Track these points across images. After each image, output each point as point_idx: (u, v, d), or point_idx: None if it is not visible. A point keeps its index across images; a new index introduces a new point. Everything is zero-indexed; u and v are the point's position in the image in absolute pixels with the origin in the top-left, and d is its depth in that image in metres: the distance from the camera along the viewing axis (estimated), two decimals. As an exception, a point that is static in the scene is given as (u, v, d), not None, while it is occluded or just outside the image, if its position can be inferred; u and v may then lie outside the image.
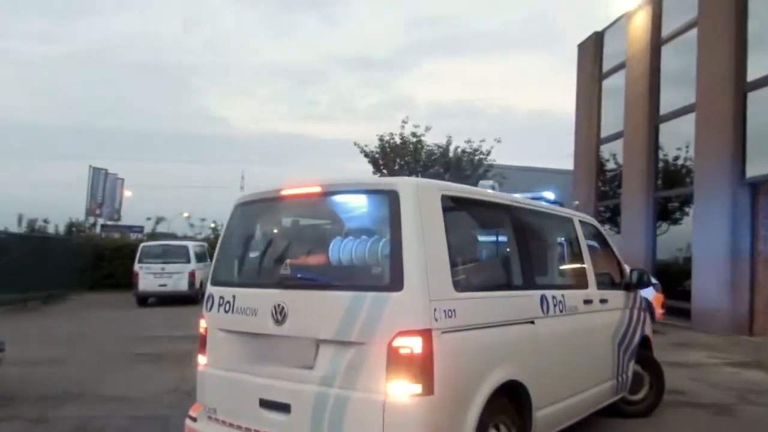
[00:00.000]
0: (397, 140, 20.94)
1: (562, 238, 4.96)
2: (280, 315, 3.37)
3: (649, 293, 11.97)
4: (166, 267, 17.43)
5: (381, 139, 21.10)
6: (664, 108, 15.17)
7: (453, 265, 3.22)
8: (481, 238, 4.20)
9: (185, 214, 37.40)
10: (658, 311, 12.05)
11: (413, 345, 2.93)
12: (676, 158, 15.08)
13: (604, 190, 18.68)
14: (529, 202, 4.52)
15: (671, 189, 15.28)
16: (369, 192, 3.54)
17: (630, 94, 16.33)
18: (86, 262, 21.50)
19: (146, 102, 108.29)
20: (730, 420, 5.87)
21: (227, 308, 3.71)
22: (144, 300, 17.70)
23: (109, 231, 30.90)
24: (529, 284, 3.96)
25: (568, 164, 21.30)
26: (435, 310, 3.01)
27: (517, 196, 4.46)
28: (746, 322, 11.87)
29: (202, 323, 3.89)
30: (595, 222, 5.50)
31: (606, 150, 18.40)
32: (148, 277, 17.42)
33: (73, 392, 6.43)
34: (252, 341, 3.54)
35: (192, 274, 17.46)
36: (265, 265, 3.95)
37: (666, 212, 15.65)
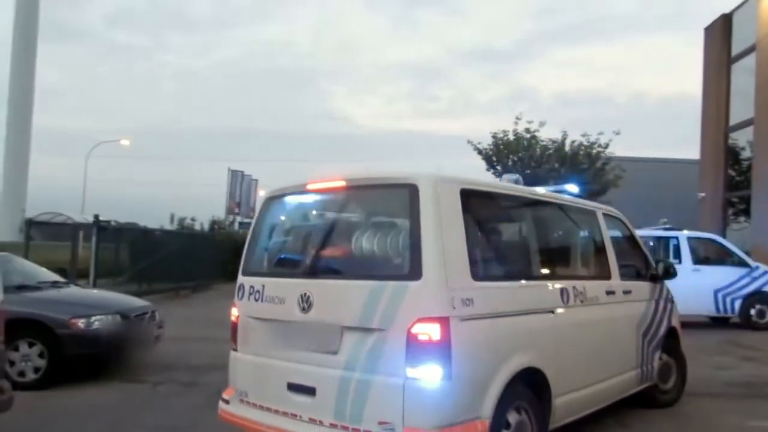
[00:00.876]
0: (510, 137, 21.05)
1: (585, 231, 5.06)
2: (306, 303, 3.54)
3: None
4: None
5: (494, 137, 21.33)
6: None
7: (471, 255, 3.35)
8: (500, 230, 4.33)
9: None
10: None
11: (431, 332, 3.07)
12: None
13: (734, 180, 17.55)
14: (551, 195, 4.71)
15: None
16: (390, 186, 3.65)
17: (761, 77, 15.26)
18: (227, 255, 23.89)
19: (281, 105, 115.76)
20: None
21: (257, 297, 3.90)
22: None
23: (246, 227, 33.89)
24: (548, 275, 4.19)
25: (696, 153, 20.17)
26: (453, 298, 3.15)
27: (539, 189, 4.78)
28: None
29: (234, 311, 4.09)
30: (620, 214, 5.59)
31: (735, 138, 17.28)
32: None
33: (218, 363, 7.66)
34: (280, 328, 3.74)
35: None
36: (292, 255, 4.18)
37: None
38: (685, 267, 11.68)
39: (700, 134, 18.92)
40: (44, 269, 7.90)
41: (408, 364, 3.10)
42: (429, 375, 3.07)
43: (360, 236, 3.65)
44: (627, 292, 4.99)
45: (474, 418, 3.18)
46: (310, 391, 3.46)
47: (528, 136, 20.89)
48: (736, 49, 17.30)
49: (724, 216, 17.53)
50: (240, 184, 38.26)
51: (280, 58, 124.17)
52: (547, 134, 21.25)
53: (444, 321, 3.10)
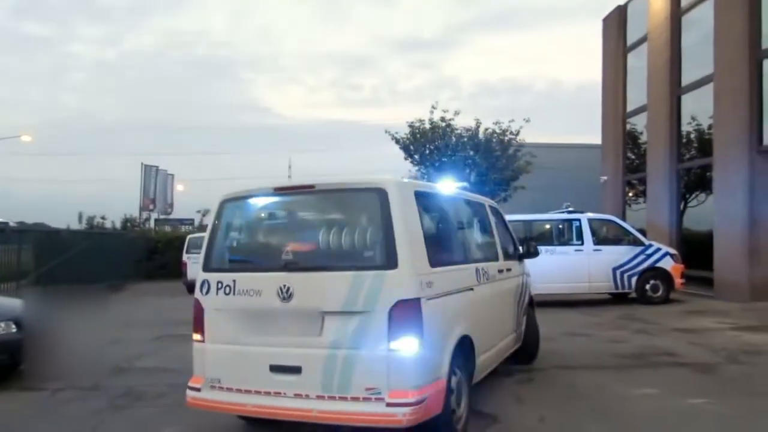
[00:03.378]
0: (427, 126, 21.45)
1: (482, 220, 5.95)
2: (286, 293, 4.02)
3: (668, 263, 12.34)
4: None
5: (411, 126, 21.66)
6: (686, 79, 15.17)
7: (426, 246, 4.08)
8: (441, 224, 4.97)
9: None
10: (678, 281, 12.39)
11: (409, 311, 3.77)
12: (699, 129, 15.10)
13: (633, 162, 18.74)
14: (466, 193, 5.74)
15: (693, 160, 15.31)
16: (360, 190, 4.28)
17: (652, 66, 16.34)
18: (141, 254, 23.07)
19: (198, 97, 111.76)
20: (707, 377, 6.33)
21: (227, 291, 4.25)
22: (193, 288, 18.85)
23: (162, 225, 32.70)
24: (469, 259, 5.10)
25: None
26: (421, 283, 3.88)
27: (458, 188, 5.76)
28: (765, 289, 11.99)
29: (197, 305, 4.40)
30: (496, 204, 6.71)
31: (633, 123, 18.44)
32: (195, 267, 18.51)
33: (123, 366, 7.45)
34: (257, 317, 4.16)
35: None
36: (266, 252, 4.56)
37: (692, 183, 15.71)
38: (587, 247, 12.43)
39: (601, 122, 20.03)
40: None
41: (390, 338, 3.77)
42: (407, 346, 3.76)
43: (335, 233, 4.16)
44: (508, 270, 6.12)
45: (437, 378, 3.97)
46: (295, 370, 3.94)
47: (443, 125, 21.38)
48: (631, 39, 18.39)
49: (623, 197, 18.70)
50: (155, 179, 36.78)
51: (197, 47, 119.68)
52: (463, 122, 21.86)
53: (417, 302, 3.82)
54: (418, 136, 21.36)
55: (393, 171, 22.78)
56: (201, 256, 4.59)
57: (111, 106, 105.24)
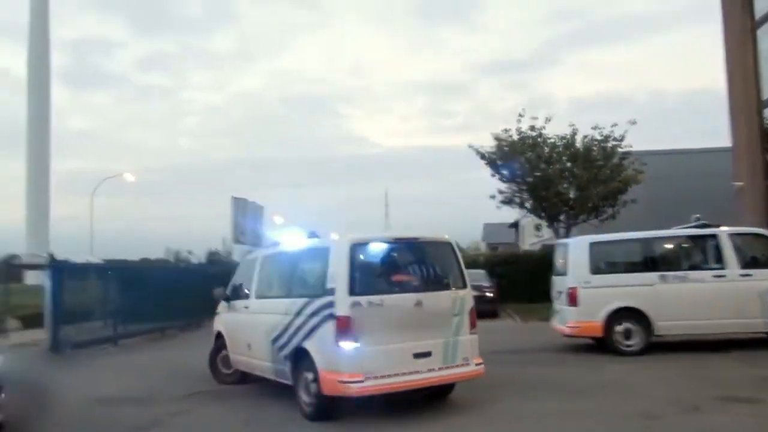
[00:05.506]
0: (514, 137, 19.12)
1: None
2: (419, 305, 6.50)
3: None
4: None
5: (497, 138, 19.42)
6: None
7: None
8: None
9: (334, 235, 37.38)
10: None
11: (474, 313, 6.96)
12: None
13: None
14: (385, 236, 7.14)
15: None
16: (440, 242, 7.18)
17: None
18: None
19: (298, 133, 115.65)
20: None
21: (377, 309, 6.31)
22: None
23: (252, 257, 32.29)
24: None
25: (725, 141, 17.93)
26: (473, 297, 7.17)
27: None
28: None
29: (345, 320, 6.14)
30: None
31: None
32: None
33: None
34: (403, 324, 6.39)
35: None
36: (398, 279, 6.73)
37: None
38: (732, 272, 9.47)
39: (729, 117, 16.73)
40: None
41: (471, 328, 6.87)
42: (476, 332, 6.98)
43: (432, 267, 6.93)
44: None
45: None
46: (427, 354, 6.45)
47: (534, 134, 18.94)
48: (759, 11, 15.17)
49: (767, 205, 15.24)
50: (245, 211, 36.80)
51: (296, 85, 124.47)
52: (556, 130, 19.30)
53: (473, 308, 7.10)
54: (506, 148, 19.05)
55: (487, 193, 20.48)
56: (344, 283, 6.27)
57: (219, 146, 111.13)
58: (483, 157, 19.69)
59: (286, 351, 6.94)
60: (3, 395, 5.28)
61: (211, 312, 16.63)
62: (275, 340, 7.18)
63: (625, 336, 9.70)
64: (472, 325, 6.79)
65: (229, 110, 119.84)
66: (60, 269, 12.94)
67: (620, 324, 9.70)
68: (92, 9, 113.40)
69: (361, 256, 6.53)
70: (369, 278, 6.50)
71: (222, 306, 9.10)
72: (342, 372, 6.07)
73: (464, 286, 6.91)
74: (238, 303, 8.45)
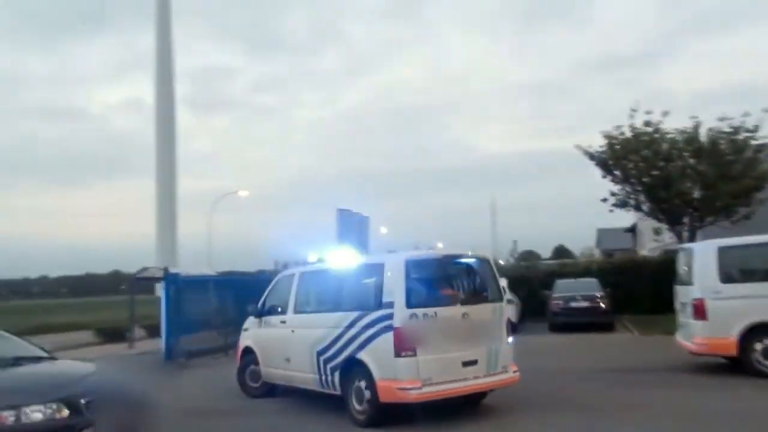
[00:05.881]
0: (627, 133, 17.69)
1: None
2: (466, 316, 7.03)
3: None
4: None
5: (607, 137, 18.06)
6: None
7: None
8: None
9: (440, 245, 37.07)
10: None
11: (510, 323, 8.04)
12: None
13: None
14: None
15: None
16: (481, 259, 7.78)
17: None
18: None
19: (403, 144, 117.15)
20: None
21: (432, 320, 6.78)
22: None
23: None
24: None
25: None
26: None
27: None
28: None
29: (403, 331, 6.62)
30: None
31: None
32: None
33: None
34: (453, 334, 6.88)
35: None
36: (449, 294, 7.22)
37: None
38: None
39: None
40: (24, 341, 6.67)
41: (507, 337, 7.45)
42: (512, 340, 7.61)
43: (477, 281, 7.62)
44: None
45: None
46: (474, 363, 6.97)
47: (649, 129, 17.41)
48: None
49: None
50: (349, 223, 37.35)
51: (400, 98, 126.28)
52: (675, 125, 17.61)
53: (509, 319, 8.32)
54: (617, 147, 17.66)
55: (599, 196, 19.19)
56: (401, 297, 6.73)
57: (327, 160, 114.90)
58: (592, 157, 18.41)
59: (335, 362, 7.33)
60: (94, 409, 5.32)
61: None
62: (322, 352, 7.52)
63: (765, 356, 8.46)
64: (508, 334, 7.50)
65: (336, 125, 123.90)
66: (173, 281, 13.62)
67: (760, 342, 8.46)
68: (212, 39, 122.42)
69: (415, 272, 7.01)
70: (422, 292, 6.99)
71: (251, 322, 9.32)
72: (401, 380, 6.58)
73: (501, 298, 7.63)
74: (273, 318, 8.71)
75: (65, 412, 5.15)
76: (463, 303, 7.11)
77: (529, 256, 53.65)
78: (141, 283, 19.52)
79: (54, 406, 5.12)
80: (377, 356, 6.76)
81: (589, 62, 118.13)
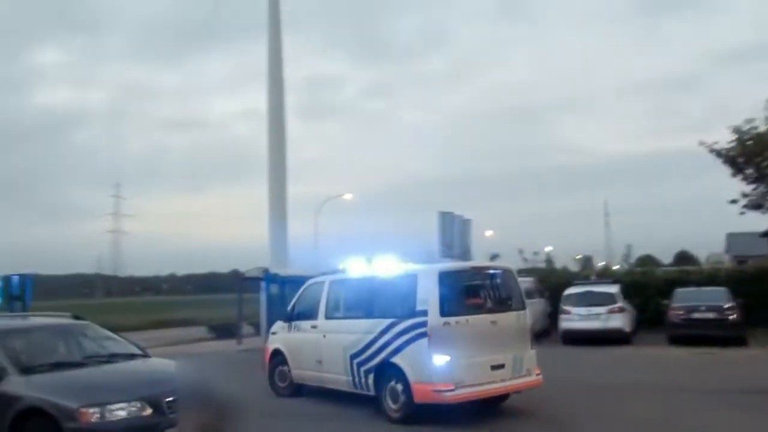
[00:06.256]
0: (761, 128, 15.78)
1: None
2: (494, 324, 7.64)
3: None
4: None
5: (737, 132, 16.23)
6: None
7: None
8: None
9: (548, 248, 35.81)
10: None
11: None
12: None
13: None
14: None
15: None
16: (506, 269, 8.45)
17: None
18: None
19: (510, 145, 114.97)
20: None
21: (463, 327, 7.35)
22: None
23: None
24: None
25: None
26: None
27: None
28: None
29: (437, 337, 7.19)
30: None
31: None
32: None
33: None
34: (482, 339, 7.46)
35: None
36: (478, 303, 7.83)
37: None
38: None
39: None
40: (121, 338, 6.93)
41: (531, 343, 8.15)
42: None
43: (502, 291, 8.11)
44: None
45: None
46: (502, 366, 7.55)
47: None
48: None
49: None
50: (451, 225, 36.79)
51: (507, 98, 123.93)
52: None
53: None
54: (748, 142, 15.78)
55: (727, 197, 17.26)
56: (435, 306, 7.32)
57: (432, 163, 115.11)
58: (719, 155, 16.65)
59: (369, 365, 7.93)
60: (177, 409, 5.34)
61: None
62: (355, 356, 8.11)
63: None
64: (531, 340, 8.19)
65: (442, 128, 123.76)
66: (273, 281, 13.97)
67: None
68: (321, 49, 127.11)
69: (447, 283, 7.53)
70: (454, 301, 7.58)
71: (279, 326, 9.83)
72: (435, 382, 7.14)
73: (524, 307, 8.20)
74: (303, 324, 9.23)
75: (148, 411, 5.22)
76: (491, 311, 7.77)
77: (647, 261, 50.10)
78: (248, 282, 20.35)
79: (138, 404, 5.21)
80: (412, 361, 7.37)
81: (715, 54, 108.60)
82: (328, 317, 8.82)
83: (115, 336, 6.96)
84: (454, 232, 40.04)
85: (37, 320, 7.06)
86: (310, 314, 9.09)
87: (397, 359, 7.49)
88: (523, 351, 7.82)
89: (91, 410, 5.00)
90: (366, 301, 8.31)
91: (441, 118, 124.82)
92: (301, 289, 9.68)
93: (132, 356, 6.45)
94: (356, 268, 8.69)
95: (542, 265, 26.94)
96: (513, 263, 35.08)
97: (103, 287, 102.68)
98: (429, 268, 7.78)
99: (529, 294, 17.54)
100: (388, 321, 7.67)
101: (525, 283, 17.97)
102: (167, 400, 5.33)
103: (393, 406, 7.54)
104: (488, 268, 8.32)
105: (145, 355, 6.67)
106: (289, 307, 9.72)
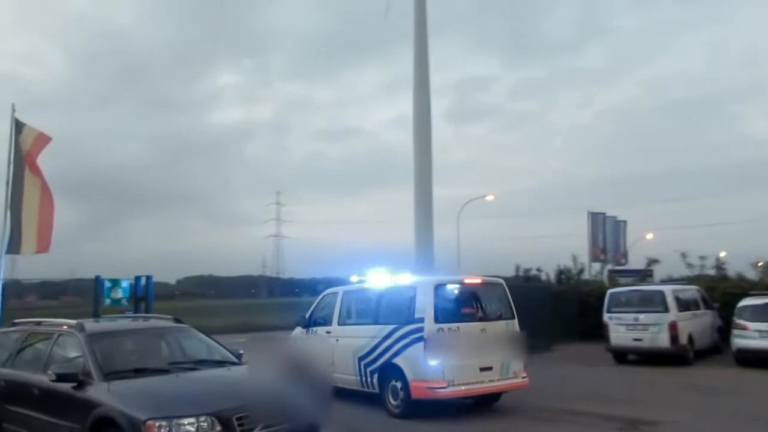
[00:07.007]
0: None
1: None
2: (484, 331, 8.70)
3: None
4: (639, 317, 14.48)
5: None
6: None
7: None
8: None
9: (721, 253, 31.11)
10: None
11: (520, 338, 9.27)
12: None
13: None
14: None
15: None
16: (496, 283, 9.51)
17: None
18: (572, 310, 20.40)
19: (679, 142, 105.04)
20: None
21: (455, 333, 8.37)
22: (622, 356, 15.14)
23: (618, 276, 29.16)
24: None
25: None
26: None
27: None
28: None
29: (432, 341, 8.20)
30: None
31: None
32: (620, 330, 14.85)
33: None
34: (472, 344, 8.46)
35: (673, 326, 13.90)
36: (470, 312, 8.99)
37: None
38: None
39: None
40: (217, 344, 6.67)
41: (522, 349, 9.06)
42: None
43: (493, 302, 9.12)
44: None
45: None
46: (490, 369, 8.51)
47: None
48: None
49: None
50: (603, 227, 33.87)
51: (674, 91, 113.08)
52: None
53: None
54: None
55: None
56: (431, 314, 8.42)
57: (586, 164, 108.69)
58: None
59: (374, 366, 8.93)
60: (251, 427, 4.85)
61: (563, 334, 18.17)
62: (362, 358, 9.14)
63: None
64: (523, 347, 9.04)
65: (597, 127, 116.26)
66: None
67: None
68: (470, 51, 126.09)
69: (442, 294, 8.66)
70: (448, 310, 8.60)
71: (298, 331, 10.83)
72: (429, 381, 8.15)
73: (513, 317, 9.14)
74: (319, 329, 10.27)
75: (218, 429, 4.77)
76: (482, 320, 8.90)
77: None
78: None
79: (208, 420, 4.79)
80: (410, 361, 8.38)
81: None
82: (340, 323, 9.87)
83: (212, 341, 6.71)
84: (606, 233, 36.69)
85: (135, 323, 7.07)
86: (325, 321, 10.17)
87: (397, 360, 8.54)
88: (511, 356, 8.80)
89: (158, 423, 4.69)
90: (373, 309, 9.44)
91: (597, 116, 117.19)
92: (318, 298, 10.74)
93: (220, 363, 6.14)
94: (366, 280, 9.78)
95: (711, 272, 23.41)
96: (675, 269, 31.16)
97: (266, 288, 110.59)
98: (426, 280, 8.91)
99: (693, 304, 15.19)
100: (391, 327, 8.75)
101: (688, 291, 15.68)
102: (237, 416, 4.84)
103: (394, 402, 8.62)
104: (479, 281, 9.29)
105: (237, 363, 6.31)
106: (307, 315, 10.61)
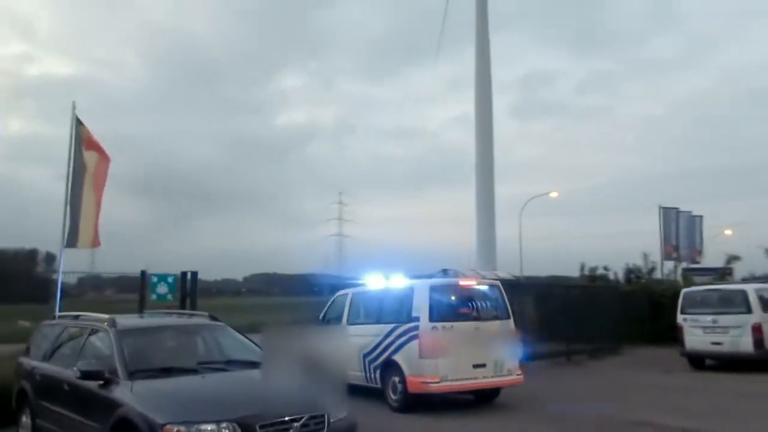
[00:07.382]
0: None
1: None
2: (477, 329, 9.04)
3: None
4: (718, 319, 13.22)
5: None
6: None
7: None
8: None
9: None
10: None
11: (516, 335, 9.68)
12: None
13: None
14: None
15: None
16: (493, 285, 9.92)
17: None
18: (641, 311, 19.13)
19: (762, 133, 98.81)
20: None
21: (449, 332, 8.76)
22: (699, 361, 13.92)
23: (691, 274, 27.37)
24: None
25: None
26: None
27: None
28: None
29: (427, 339, 8.66)
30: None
31: None
32: (696, 333, 13.63)
33: None
34: (464, 341, 8.77)
35: (757, 329, 12.62)
36: (464, 312, 9.18)
37: None
38: None
39: None
40: (251, 343, 6.31)
41: (516, 347, 9.39)
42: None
43: (488, 302, 9.38)
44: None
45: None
46: (483, 366, 8.79)
47: None
48: None
49: None
50: (676, 222, 31.85)
51: (757, 79, 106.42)
52: None
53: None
54: None
55: None
56: (426, 313, 8.84)
57: (657, 159, 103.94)
58: None
59: (377, 362, 9.36)
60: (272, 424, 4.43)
61: (633, 336, 17.27)
62: (367, 354, 9.59)
63: None
64: (514, 344, 9.33)
65: (669, 120, 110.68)
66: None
67: None
68: (535, 46, 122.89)
69: (437, 294, 9.04)
70: (443, 310, 8.98)
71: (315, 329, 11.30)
72: (424, 376, 8.53)
73: (508, 317, 9.49)
74: (332, 328, 10.75)
75: (239, 434, 4.37)
76: (476, 319, 9.14)
77: None
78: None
79: (229, 426, 4.40)
80: (407, 358, 8.79)
81: None
82: (349, 323, 10.35)
83: (247, 340, 6.36)
84: (679, 229, 34.47)
85: (169, 319, 6.82)
86: (336, 320, 10.65)
87: (396, 357, 8.97)
88: (504, 353, 9.04)
89: (176, 429, 4.34)
90: (377, 310, 9.96)
91: (669, 107, 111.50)
92: (331, 299, 11.23)
93: (252, 364, 5.75)
94: (373, 282, 10.28)
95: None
96: (758, 267, 28.86)
97: (328, 286, 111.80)
98: (423, 282, 9.29)
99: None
100: (391, 325, 9.21)
101: (766, 291, 14.21)
102: (261, 424, 4.44)
103: (393, 397, 9.02)
104: (475, 282, 9.89)
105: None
106: (320, 315, 11.12)
